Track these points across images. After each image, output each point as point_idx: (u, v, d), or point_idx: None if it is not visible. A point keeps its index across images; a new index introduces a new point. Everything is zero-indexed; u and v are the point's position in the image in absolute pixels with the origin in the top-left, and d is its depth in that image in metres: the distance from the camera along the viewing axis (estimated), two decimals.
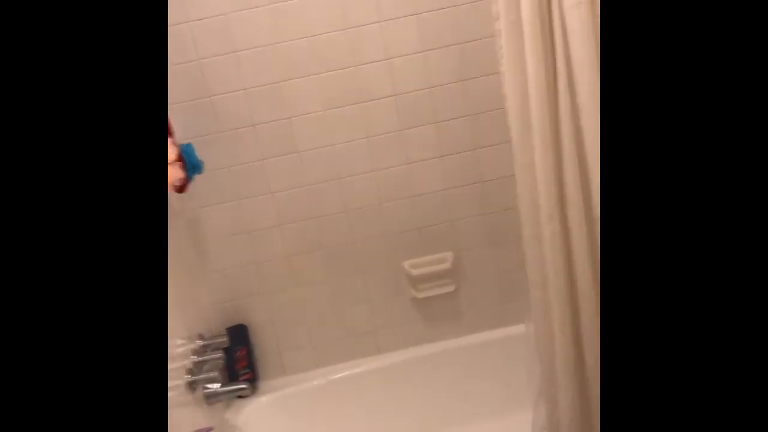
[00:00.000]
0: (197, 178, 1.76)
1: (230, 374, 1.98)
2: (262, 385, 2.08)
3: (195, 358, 1.74)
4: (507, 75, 1.26)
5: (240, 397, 1.99)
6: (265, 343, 2.07)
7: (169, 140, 1.53)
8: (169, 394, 1.49)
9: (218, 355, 1.79)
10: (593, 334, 1.37)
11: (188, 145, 1.67)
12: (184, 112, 1.82)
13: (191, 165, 1.62)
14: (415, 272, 2.02)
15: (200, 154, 1.74)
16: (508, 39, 1.23)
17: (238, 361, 2.02)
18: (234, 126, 1.87)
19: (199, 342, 1.82)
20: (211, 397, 1.77)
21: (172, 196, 1.88)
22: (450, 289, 2.06)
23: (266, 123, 1.88)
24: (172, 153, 1.49)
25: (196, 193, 1.89)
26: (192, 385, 1.68)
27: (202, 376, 1.71)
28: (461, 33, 1.84)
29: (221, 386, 1.77)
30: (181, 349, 1.67)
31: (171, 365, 1.56)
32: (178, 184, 1.53)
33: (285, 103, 1.87)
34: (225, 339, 1.88)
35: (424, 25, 1.83)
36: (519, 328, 2.03)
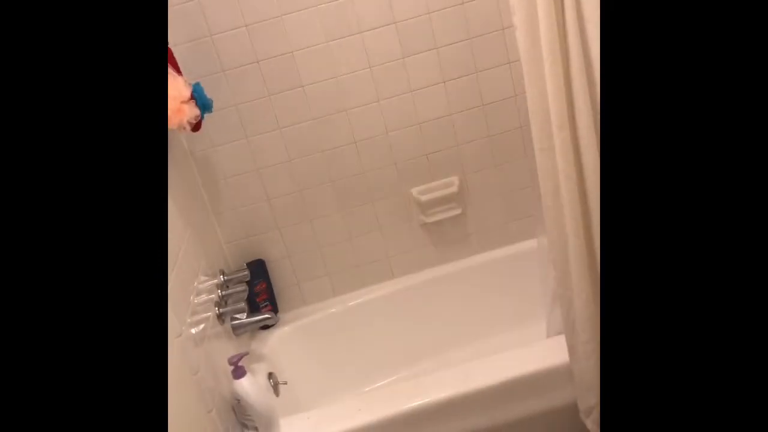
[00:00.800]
0: (206, 117, 1.78)
1: (251, 307, 2.06)
2: (283, 316, 2.16)
3: (220, 292, 1.81)
4: None
5: (264, 327, 2.08)
6: (283, 275, 2.15)
7: (182, 79, 1.56)
8: (201, 327, 1.56)
9: (242, 287, 1.86)
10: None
11: (197, 84, 1.69)
12: (187, 52, 1.83)
13: (201, 104, 1.65)
14: (423, 198, 2.09)
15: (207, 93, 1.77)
16: None
17: (259, 294, 2.09)
18: (238, 64, 1.89)
19: (222, 278, 1.89)
20: (238, 329, 1.85)
21: (185, 136, 1.91)
22: (457, 212, 2.13)
23: (269, 59, 1.90)
24: (185, 92, 1.52)
25: (205, 132, 1.92)
26: (221, 317, 1.75)
27: (229, 308, 1.79)
28: None
29: (247, 316, 1.84)
30: (206, 284, 1.74)
31: (198, 299, 1.62)
32: (193, 122, 1.56)
33: (287, 38, 1.88)
34: (246, 273, 1.95)
35: None
36: (524, 245, 2.14)
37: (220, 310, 1.76)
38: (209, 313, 1.69)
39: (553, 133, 1.38)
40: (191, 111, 1.52)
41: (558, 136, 1.37)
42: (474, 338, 2.16)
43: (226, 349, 1.74)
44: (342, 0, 1.87)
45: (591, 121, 1.35)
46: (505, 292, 2.16)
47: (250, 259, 2.09)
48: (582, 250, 1.45)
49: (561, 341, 1.67)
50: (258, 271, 2.08)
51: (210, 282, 1.79)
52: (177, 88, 1.49)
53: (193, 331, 1.51)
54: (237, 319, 1.82)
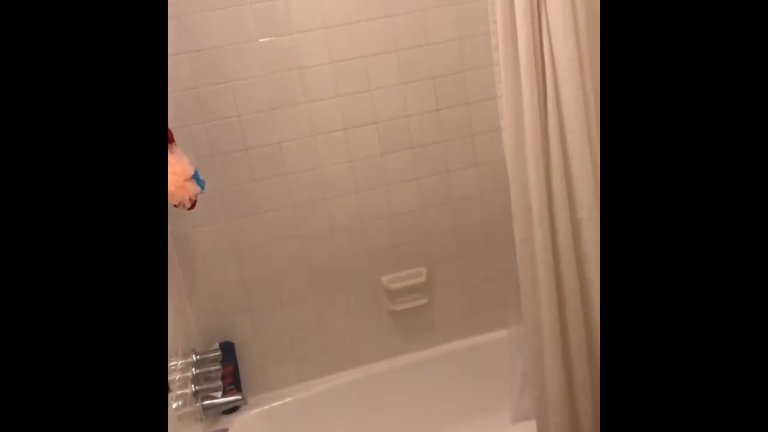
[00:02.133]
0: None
1: None
2: (248, 400, 2.14)
3: (194, 370, 1.80)
4: (504, 97, 1.48)
5: (228, 411, 2.05)
6: (250, 358, 2.15)
7: (186, 159, 1.63)
8: (175, 404, 1.55)
9: (215, 366, 1.86)
10: (578, 324, 1.58)
11: None
12: (181, 135, 1.92)
13: (199, 184, 1.72)
14: (392, 286, 2.18)
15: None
16: (505, 67, 1.45)
17: (225, 377, 2.07)
18: (228, 150, 1.99)
19: (195, 357, 1.88)
20: (208, 409, 1.83)
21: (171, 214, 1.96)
22: (424, 301, 2.23)
23: (258, 147, 2.01)
24: (190, 170, 1.59)
25: (188, 212, 1.98)
26: (196, 395, 1.74)
27: (204, 386, 1.78)
28: (435, 69, 2.07)
29: (221, 395, 1.83)
30: (179, 363, 1.73)
31: (172, 377, 1.62)
32: (194, 199, 1.63)
33: (276, 129, 2.01)
34: (219, 353, 1.95)
35: (403, 63, 2.04)
36: (485, 337, 2.25)
37: (196, 387, 1.75)
38: (187, 390, 1.68)
39: (534, 224, 1.53)
40: (193, 188, 1.59)
41: (538, 228, 1.52)
42: (436, 428, 2.19)
43: (196, 429, 1.72)
44: (329, 99, 2.03)
45: (567, 218, 1.52)
46: (467, 382, 2.24)
47: (220, 340, 2.09)
48: (557, 336, 1.57)
49: (527, 427, 1.75)
50: (226, 353, 2.08)
51: (184, 361, 1.78)
52: (183, 166, 1.56)
53: (174, 405, 1.50)
54: (211, 398, 1.81)
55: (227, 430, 1.63)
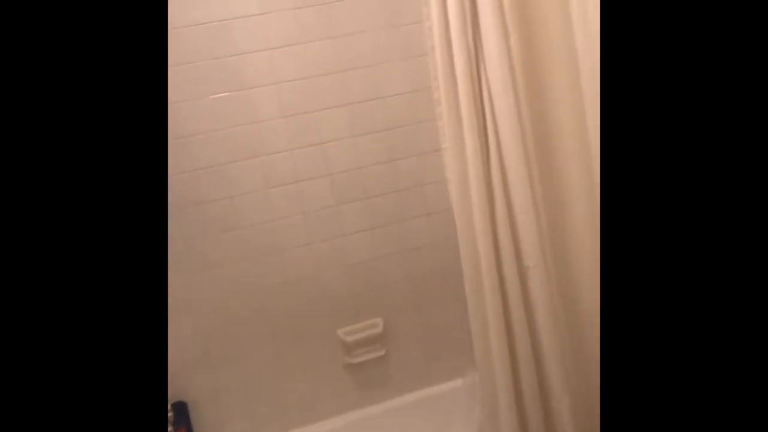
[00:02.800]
0: None
1: None
2: None
3: None
4: (448, 149, 1.51)
5: None
6: (204, 418, 2.09)
7: None
8: None
9: (169, 429, 1.81)
10: (530, 372, 1.58)
11: None
12: None
13: None
14: (349, 339, 2.16)
15: None
16: (448, 120, 1.49)
17: None
18: (181, 205, 1.98)
19: None
20: None
21: None
22: (381, 353, 2.21)
23: (210, 202, 2.00)
24: None
25: None
26: None
27: None
28: (388, 121, 2.11)
29: None
30: None
31: None
32: None
33: (228, 184, 2.01)
34: (171, 414, 1.89)
35: (355, 115, 2.08)
36: (443, 387, 2.24)
37: None
38: None
39: (482, 274, 1.54)
40: None
41: (486, 278, 1.54)
42: None
43: None
44: (283, 154, 2.04)
45: (515, 267, 1.54)
46: None
47: (172, 400, 2.04)
48: (509, 383, 1.57)
49: None
50: (179, 413, 2.02)
51: None
52: None
53: None
54: None
55: None
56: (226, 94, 1.97)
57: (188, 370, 2.06)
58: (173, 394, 2.06)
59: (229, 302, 2.07)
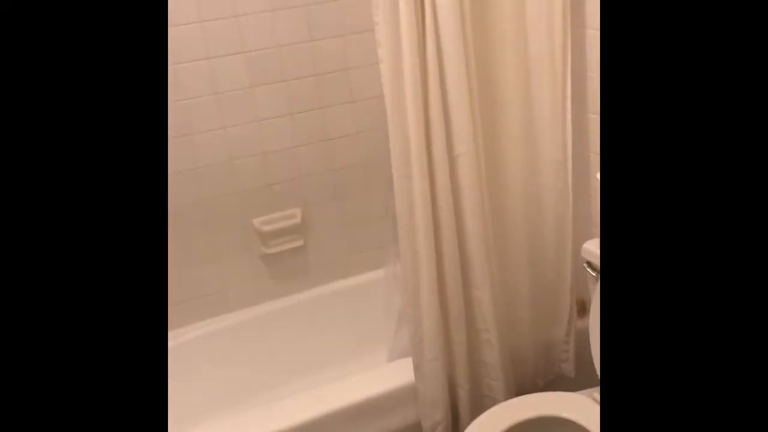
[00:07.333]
0: None
1: None
2: None
3: None
4: (381, 25, 1.40)
5: None
6: None
7: None
8: None
9: None
10: (453, 257, 1.57)
11: None
12: None
13: None
14: (265, 228, 2.08)
15: None
16: None
17: None
18: None
19: None
20: None
21: None
22: (299, 243, 2.15)
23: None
24: None
25: None
26: None
27: None
28: None
29: None
30: None
31: None
32: None
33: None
34: None
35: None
36: (362, 278, 2.23)
37: None
38: None
39: (412, 160, 1.48)
40: None
41: (416, 163, 1.48)
42: (315, 370, 2.15)
43: None
44: (192, 26, 1.84)
45: (445, 155, 1.49)
46: (344, 323, 2.21)
47: None
48: (432, 271, 1.56)
49: (403, 364, 1.76)
50: None
51: None
52: None
53: None
54: None
55: None
56: None
57: None
58: None
59: None
